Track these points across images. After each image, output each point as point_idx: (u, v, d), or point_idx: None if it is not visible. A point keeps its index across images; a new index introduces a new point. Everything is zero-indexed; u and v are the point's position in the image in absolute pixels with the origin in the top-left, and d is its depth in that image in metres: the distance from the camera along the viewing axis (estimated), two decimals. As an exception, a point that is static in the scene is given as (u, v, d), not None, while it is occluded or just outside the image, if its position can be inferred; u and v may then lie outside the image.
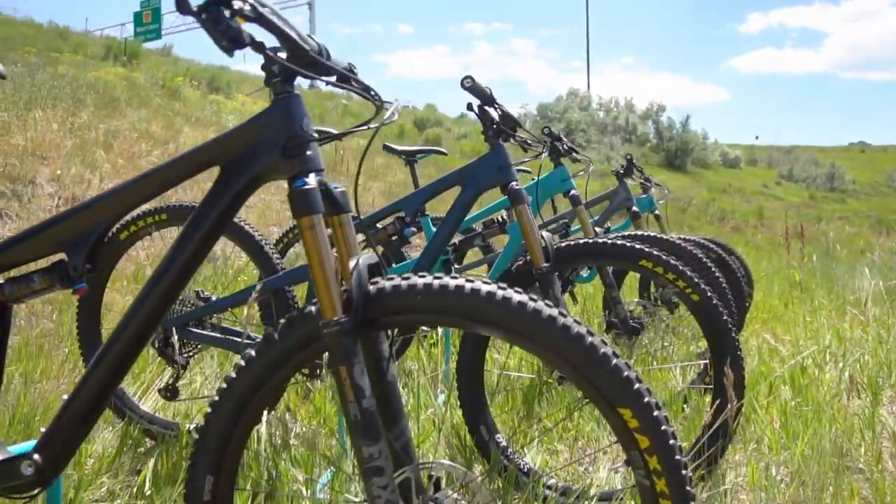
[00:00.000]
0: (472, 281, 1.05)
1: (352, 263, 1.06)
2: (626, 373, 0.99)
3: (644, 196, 4.27)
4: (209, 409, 1.14)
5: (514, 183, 2.11)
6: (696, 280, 1.92)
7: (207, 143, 1.17)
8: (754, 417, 2.42)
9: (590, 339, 1.01)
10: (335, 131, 1.64)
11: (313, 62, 1.09)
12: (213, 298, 2.29)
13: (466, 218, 2.30)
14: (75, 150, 5.77)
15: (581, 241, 2.09)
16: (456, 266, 2.74)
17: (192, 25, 28.81)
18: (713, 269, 2.44)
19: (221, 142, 1.15)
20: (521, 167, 2.32)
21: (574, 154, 3.23)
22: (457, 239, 2.73)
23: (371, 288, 1.07)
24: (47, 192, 5.02)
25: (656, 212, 4.29)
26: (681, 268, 1.94)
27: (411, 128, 16.29)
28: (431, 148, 3.65)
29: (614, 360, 1.00)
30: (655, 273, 1.98)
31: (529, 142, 2.35)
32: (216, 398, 1.14)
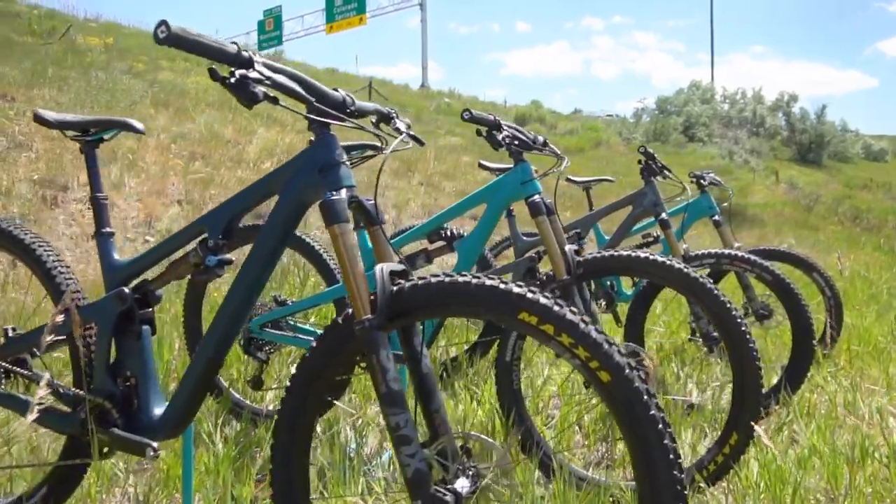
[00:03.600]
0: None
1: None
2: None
3: (701, 197, 3.74)
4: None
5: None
6: (608, 351, 1.16)
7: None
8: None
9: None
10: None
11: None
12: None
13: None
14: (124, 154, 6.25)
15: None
16: None
17: (309, 31, 30.29)
18: (732, 308, 1.99)
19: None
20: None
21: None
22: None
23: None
24: (74, 198, 5.45)
25: (716, 217, 3.67)
26: (592, 335, 1.18)
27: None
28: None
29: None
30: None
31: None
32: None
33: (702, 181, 3.72)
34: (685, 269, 1.99)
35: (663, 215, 3.05)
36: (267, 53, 24.04)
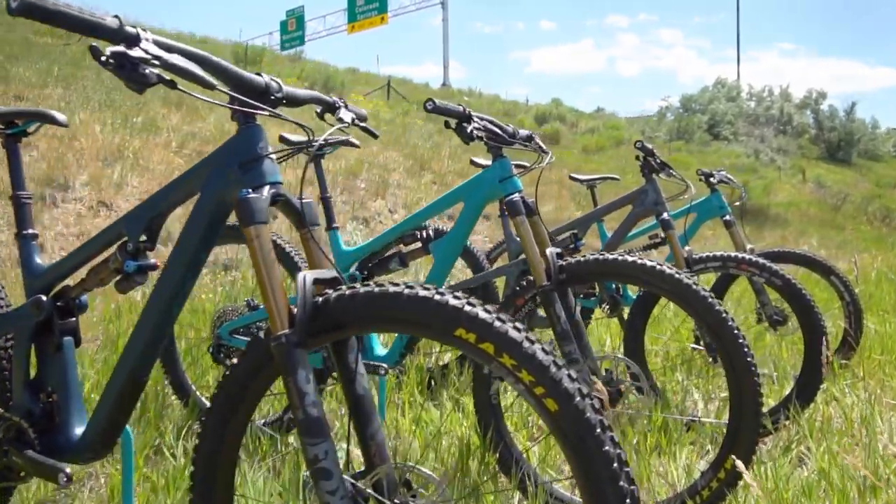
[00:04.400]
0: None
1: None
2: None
3: (712, 196, 3.55)
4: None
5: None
6: (556, 375, 0.99)
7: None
8: None
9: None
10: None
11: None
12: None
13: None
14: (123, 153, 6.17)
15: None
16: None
17: (332, 31, 30.38)
18: (728, 318, 1.79)
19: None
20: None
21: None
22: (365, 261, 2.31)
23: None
24: (73, 197, 5.37)
25: (727, 217, 3.48)
26: (538, 357, 1.00)
27: (531, 123, 16.03)
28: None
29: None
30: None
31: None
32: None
33: (711, 179, 3.51)
34: (677, 275, 1.81)
35: (665, 215, 2.84)
36: (288, 53, 24.12)
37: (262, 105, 1.18)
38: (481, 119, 1.88)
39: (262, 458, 2.06)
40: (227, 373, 1.21)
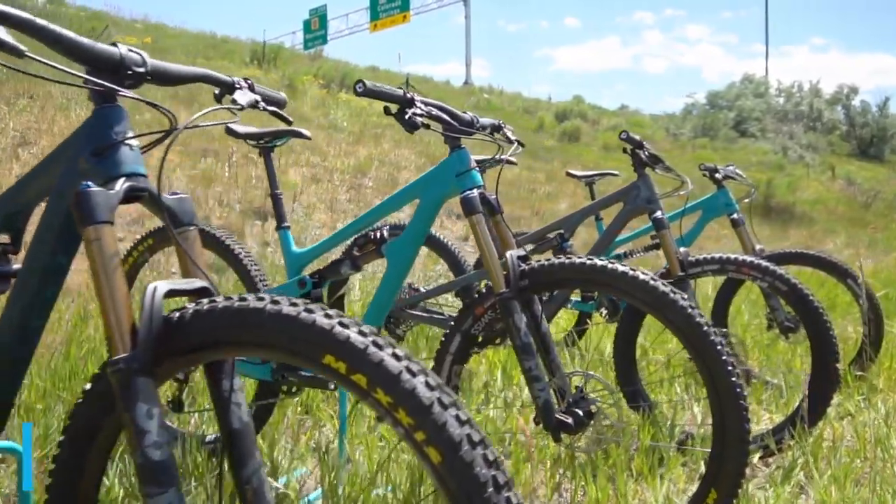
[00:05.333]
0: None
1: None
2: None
3: (718, 192, 3.27)
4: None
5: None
6: (440, 417, 0.80)
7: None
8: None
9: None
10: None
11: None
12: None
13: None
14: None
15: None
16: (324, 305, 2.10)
17: (354, 30, 30.34)
18: (710, 332, 1.57)
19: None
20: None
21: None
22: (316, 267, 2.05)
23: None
24: None
25: (735, 215, 3.20)
26: (419, 393, 0.81)
27: (552, 120, 15.73)
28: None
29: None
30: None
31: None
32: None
33: (716, 175, 3.25)
34: (652, 282, 1.58)
35: (658, 213, 2.59)
36: (309, 52, 24.09)
37: (112, 84, 0.99)
38: (427, 104, 1.66)
39: (200, 481, 1.87)
40: (77, 405, 1.00)
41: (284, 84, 11.39)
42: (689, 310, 1.56)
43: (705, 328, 1.55)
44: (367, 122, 10.53)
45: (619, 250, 3.66)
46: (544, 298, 2.75)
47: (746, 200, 3.36)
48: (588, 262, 1.62)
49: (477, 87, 24.05)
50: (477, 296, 1.76)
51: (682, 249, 2.49)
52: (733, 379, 1.53)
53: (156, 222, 4.90)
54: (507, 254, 1.68)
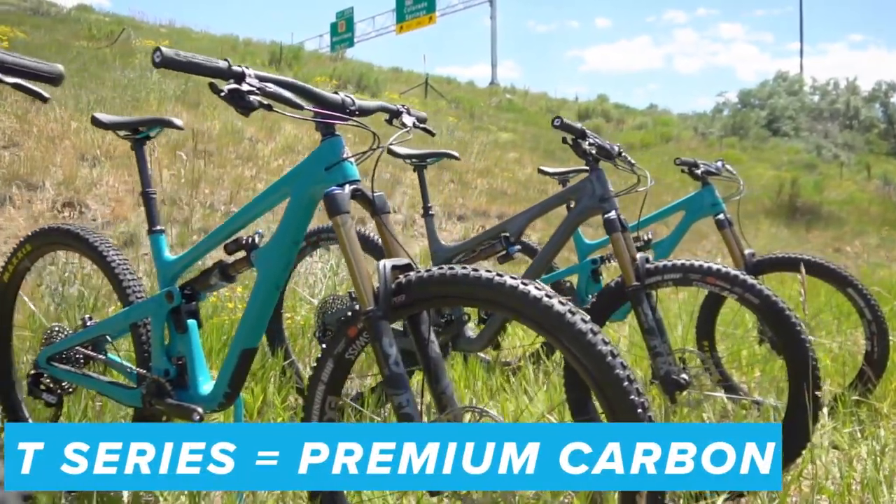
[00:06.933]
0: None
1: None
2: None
3: (704, 190, 2.95)
4: None
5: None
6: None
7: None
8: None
9: None
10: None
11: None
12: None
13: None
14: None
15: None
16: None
17: (380, 32, 30.27)
18: (615, 364, 1.20)
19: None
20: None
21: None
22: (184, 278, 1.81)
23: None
24: (41, 197, 5.11)
25: (720, 216, 2.89)
26: None
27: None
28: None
29: None
30: None
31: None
32: None
33: (694, 170, 2.89)
34: (544, 298, 1.25)
35: (612, 213, 2.22)
36: (332, 55, 24.04)
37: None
38: (264, 79, 1.36)
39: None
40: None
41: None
42: (589, 335, 1.22)
43: (606, 356, 1.21)
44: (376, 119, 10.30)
45: (596, 254, 3.32)
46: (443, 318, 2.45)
47: (735, 199, 2.99)
48: (461, 272, 1.30)
49: (501, 87, 23.75)
50: (351, 314, 1.46)
51: (639, 255, 2.15)
52: (631, 398, 1.19)
53: (17, 230, 4.67)
54: (380, 263, 1.38)
